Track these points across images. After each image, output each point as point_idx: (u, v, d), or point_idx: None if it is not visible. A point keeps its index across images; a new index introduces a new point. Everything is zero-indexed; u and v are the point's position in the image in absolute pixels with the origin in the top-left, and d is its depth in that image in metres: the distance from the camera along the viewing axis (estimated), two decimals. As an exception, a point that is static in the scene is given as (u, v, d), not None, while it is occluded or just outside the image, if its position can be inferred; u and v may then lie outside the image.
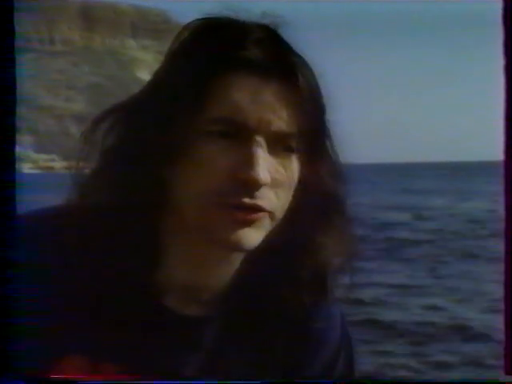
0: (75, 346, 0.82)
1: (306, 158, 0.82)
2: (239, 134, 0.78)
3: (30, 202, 0.88)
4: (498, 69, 0.84)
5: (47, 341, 0.81)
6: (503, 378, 0.91)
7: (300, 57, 0.82)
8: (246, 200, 0.78)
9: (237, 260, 0.86)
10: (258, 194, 0.78)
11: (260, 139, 0.78)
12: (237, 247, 0.80)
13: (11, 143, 0.84)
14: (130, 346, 0.83)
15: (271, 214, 0.80)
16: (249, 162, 0.77)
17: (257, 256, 0.84)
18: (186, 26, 0.83)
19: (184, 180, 0.79)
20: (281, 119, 0.78)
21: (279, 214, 0.81)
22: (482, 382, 0.95)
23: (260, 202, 0.78)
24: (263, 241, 0.81)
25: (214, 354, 0.87)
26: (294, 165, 0.81)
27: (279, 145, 0.80)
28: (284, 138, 0.80)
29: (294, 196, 0.83)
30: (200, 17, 0.83)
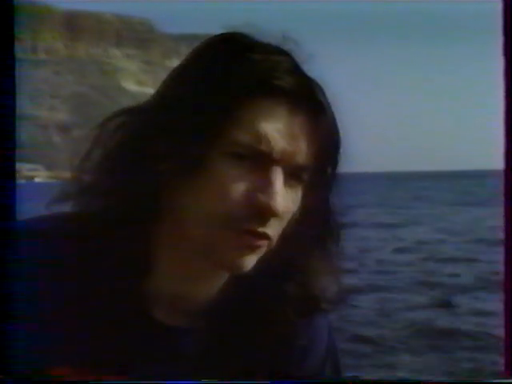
0: (63, 357, 0.82)
1: (310, 186, 0.82)
2: (260, 162, 0.77)
3: (24, 211, 0.88)
4: (497, 69, 0.84)
5: (38, 348, 0.81)
6: (503, 378, 0.91)
7: (319, 85, 0.81)
8: (258, 227, 0.78)
9: (226, 274, 0.86)
10: (268, 222, 0.78)
11: (280, 169, 0.78)
12: (237, 271, 0.80)
13: (11, 154, 0.84)
14: (118, 357, 0.83)
15: (271, 241, 0.81)
16: (268, 191, 0.77)
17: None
18: (214, 39, 0.81)
19: (194, 196, 0.78)
20: (301, 152, 0.78)
21: (276, 239, 0.82)
22: (483, 382, 0.96)
23: (269, 231, 0.79)
24: None
25: (200, 365, 0.87)
26: (299, 195, 0.82)
27: (293, 175, 0.80)
28: (299, 170, 0.80)
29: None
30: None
